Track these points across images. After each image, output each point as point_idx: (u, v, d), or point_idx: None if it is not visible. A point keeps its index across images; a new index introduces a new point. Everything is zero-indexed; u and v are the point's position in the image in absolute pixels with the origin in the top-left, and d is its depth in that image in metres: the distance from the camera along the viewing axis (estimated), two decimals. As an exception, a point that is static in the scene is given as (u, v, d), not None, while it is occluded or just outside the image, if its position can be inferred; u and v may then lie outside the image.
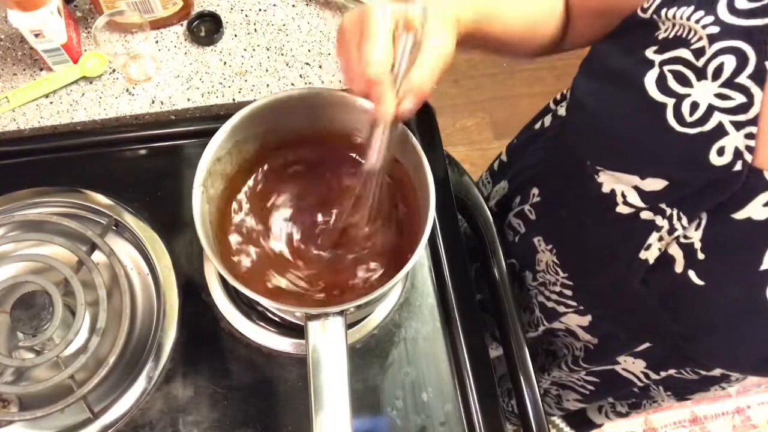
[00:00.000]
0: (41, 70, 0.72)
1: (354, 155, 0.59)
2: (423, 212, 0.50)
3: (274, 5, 0.77)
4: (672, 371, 0.63)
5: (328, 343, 0.46)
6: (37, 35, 0.66)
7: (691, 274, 0.46)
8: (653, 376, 0.65)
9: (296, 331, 0.61)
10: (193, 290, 0.63)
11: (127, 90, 0.71)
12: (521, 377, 0.63)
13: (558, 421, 1.49)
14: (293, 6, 0.77)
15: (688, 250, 0.46)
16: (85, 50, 0.73)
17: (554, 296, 0.67)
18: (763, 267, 0.42)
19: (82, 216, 0.65)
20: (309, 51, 0.74)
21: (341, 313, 0.46)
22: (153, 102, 0.71)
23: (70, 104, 0.70)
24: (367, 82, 0.41)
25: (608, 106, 0.49)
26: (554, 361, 0.79)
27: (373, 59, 0.41)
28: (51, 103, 0.70)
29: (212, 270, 0.63)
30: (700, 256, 0.45)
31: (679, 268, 0.47)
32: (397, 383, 0.60)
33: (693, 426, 1.48)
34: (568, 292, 0.65)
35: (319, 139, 0.58)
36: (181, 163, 0.69)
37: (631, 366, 0.67)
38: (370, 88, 0.42)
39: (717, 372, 0.59)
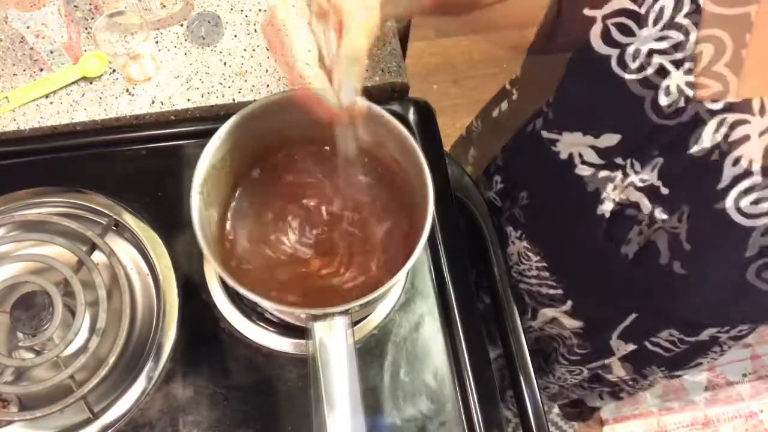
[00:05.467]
0: (41, 70, 0.72)
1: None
2: (422, 212, 0.50)
3: (274, 5, 0.77)
4: (662, 340, 0.63)
5: (334, 343, 0.46)
6: (37, 36, 0.66)
7: (657, 211, 0.48)
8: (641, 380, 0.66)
9: (296, 331, 0.61)
10: (193, 290, 0.63)
11: (127, 90, 0.71)
12: (521, 377, 0.63)
13: (557, 419, 1.49)
14: (293, 6, 0.77)
15: (650, 190, 0.48)
16: (85, 50, 0.73)
17: (534, 280, 0.68)
18: (720, 185, 0.44)
19: (82, 216, 0.65)
20: (309, 51, 0.74)
21: (345, 312, 0.46)
22: (153, 102, 0.71)
23: (70, 104, 0.70)
24: (300, 82, 0.42)
25: (555, 69, 0.51)
26: (549, 358, 0.79)
27: (294, 57, 0.42)
28: (51, 103, 0.70)
29: (212, 270, 0.63)
30: (664, 191, 0.47)
31: (646, 209, 0.49)
32: (396, 383, 0.60)
33: (705, 429, 1.48)
34: (545, 273, 0.65)
35: (317, 139, 0.58)
36: (181, 164, 0.69)
37: (619, 372, 0.67)
38: (304, 88, 0.42)
39: (706, 336, 0.59)
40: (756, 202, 0.43)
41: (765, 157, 0.42)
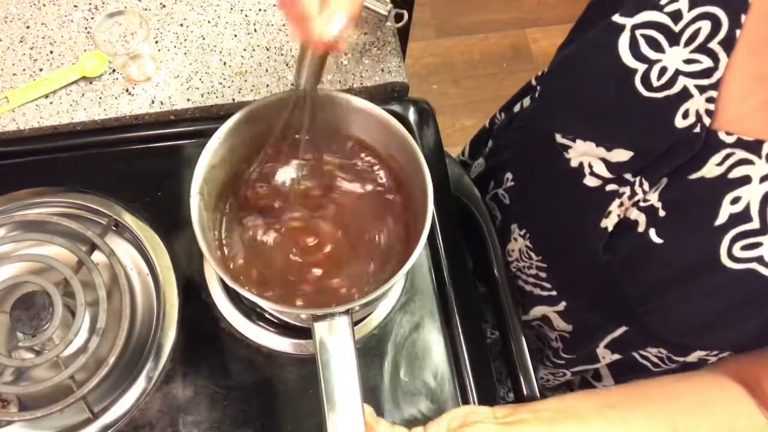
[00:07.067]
0: (41, 70, 0.72)
1: (352, 155, 0.59)
2: (422, 212, 0.50)
3: (274, 5, 0.77)
4: (651, 355, 0.63)
5: (336, 343, 0.46)
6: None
7: (652, 232, 0.47)
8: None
9: (296, 331, 0.61)
10: (193, 290, 0.63)
11: (127, 90, 0.71)
12: (521, 377, 0.63)
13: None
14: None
15: (649, 211, 0.48)
16: (85, 50, 0.73)
17: (531, 279, 0.68)
18: (718, 222, 0.43)
19: (82, 216, 0.65)
20: None
21: (347, 312, 0.46)
22: (153, 102, 0.71)
23: (70, 104, 0.70)
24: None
25: (580, 73, 0.50)
26: (535, 358, 0.79)
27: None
28: (51, 103, 0.70)
29: (212, 270, 0.63)
30: (662, 213, 0.47)
31: (641, 228, 0.48)
32: (396, 383, 0.60)
33: None
34: (543, 274, 0.65)
35: (315, 139, 0.58)
36: (181, 163, 0.69)
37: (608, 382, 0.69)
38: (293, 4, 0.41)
39: (694, 358, 0.60)
40: (746, 248, 0.43)
41: (763, 204, 0.41)
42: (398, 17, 0.75)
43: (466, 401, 0.60)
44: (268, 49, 0.74)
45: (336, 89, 0.71)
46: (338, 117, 0.56)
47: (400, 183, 0.58)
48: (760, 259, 0.42)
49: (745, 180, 0.42)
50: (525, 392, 0.62)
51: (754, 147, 0.42)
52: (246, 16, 0.76)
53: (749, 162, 0.42)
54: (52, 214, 0.63)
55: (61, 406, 0.55)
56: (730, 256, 0.43)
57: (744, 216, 0.42)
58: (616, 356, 0.65)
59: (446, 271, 0.65)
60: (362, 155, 0.59)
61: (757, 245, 0.42)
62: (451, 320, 0.63)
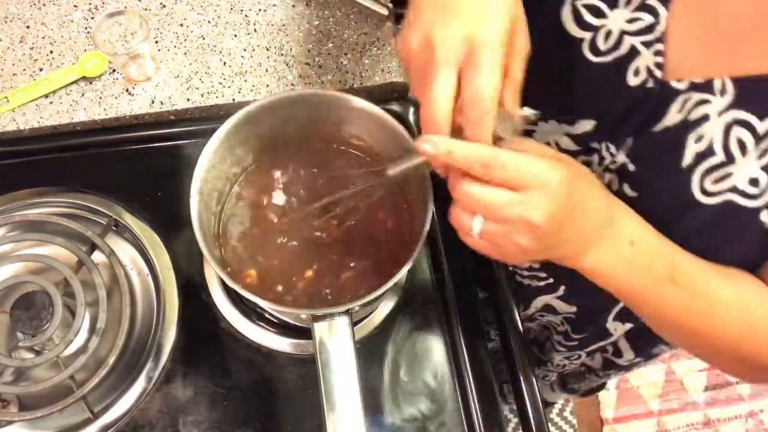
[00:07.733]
0: (41, 70, 0.72)
1: (350, 151, 0.59)
2: (422, 212, 0.50)
3: (274, 5, 0.77)
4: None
5: (336, 343, 0.46)
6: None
7: (625, 187, 0.48)
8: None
9: (296, 331, 0.61)
10: (192, 290, 0.63)
11: (127, 90, 0.71)
12: (521, 377, 0.63)
13: (557, 419, 1.49)
14: (293, 6, 0.77)
15: (621, 170, 0.49)
16: (85, 50, 0.73)
17: (526, 272, 0.68)
18: (685, 163, 0.44)
19: (82, 216, 0.65)
20: (309, 51, 0.74)
21: (347, 312, 0.47)
22: (153, 102, 0.71)
23: (70, 104, 0.70)
24: (430, 124, 0.41)
25: (530, 55, 0.51)
26: (545, 347, 0.78)
27: (435, 101, 0.40)
28: (51, 103, 0.70)
29: (212, 270, 0.63)
30: (631, 168, 0.48)
31: (615, 187, 0.49)
32: (396, 383, 0.60)
33: (706, 429, 1.48)
34: (536, 265, 0.66)
35: (315, 138, 0.58)
36: (181, 163, 0.69)
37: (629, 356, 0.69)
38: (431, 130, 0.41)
39: None
40: (717, 181, 0.44)
41: (725, 136, 0.43)
42: (398, 17, 0.75)
43: (466, 401, 0.60)
44: (268, 49, 0.74)
45: (334, 89, 0.71)
46: (338, 117, 0.56)
47: (399, 183, 0.58)
48: (733, 189, 0.43)
49: (705, 118, 0.43)
50: (526, 393, 0.62)
51: (707, 86, 0.43)
52: (246, 16, 0.76)
53: (706, 102, 0.43)
54: (52, 214, 0.63)
55: (61, 406, 0.55)
56: (703, 192, 0.44)
57: (709, 151, 0.43)
58: (628, 325, 0.65)
59: (446, 271, 0.65)
60: (361, 155, 0.59)
61: (727, 176, 0.43)
62: (451, 320, 0.63)
